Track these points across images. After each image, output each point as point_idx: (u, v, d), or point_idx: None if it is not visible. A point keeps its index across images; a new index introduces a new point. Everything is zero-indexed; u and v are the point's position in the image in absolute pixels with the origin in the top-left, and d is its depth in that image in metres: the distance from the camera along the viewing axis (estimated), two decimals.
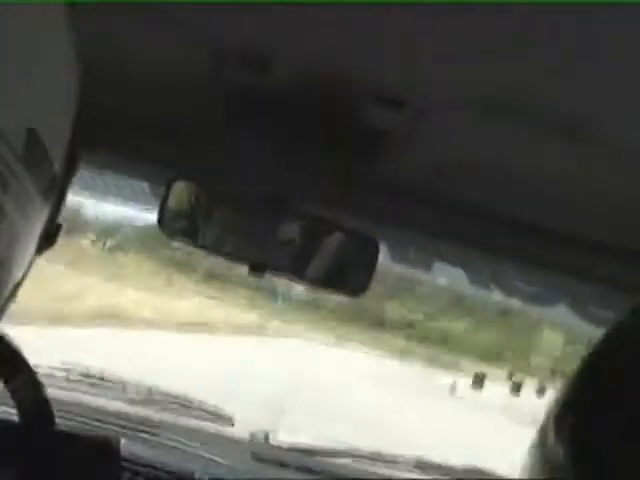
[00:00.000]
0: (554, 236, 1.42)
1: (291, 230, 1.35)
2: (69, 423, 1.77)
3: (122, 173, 1.62)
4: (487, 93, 1.03)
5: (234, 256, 1.37)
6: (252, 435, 2.26)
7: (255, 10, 0.94)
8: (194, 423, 2.26)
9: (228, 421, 2.32)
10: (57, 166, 0.72)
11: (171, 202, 1.31)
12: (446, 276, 1.87)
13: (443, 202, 1.41)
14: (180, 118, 1.35)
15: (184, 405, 2.32)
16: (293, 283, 1.51)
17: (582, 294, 1.73)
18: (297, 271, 1.37)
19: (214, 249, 1.37)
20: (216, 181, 1.36)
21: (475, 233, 1.46)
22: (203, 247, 1.37)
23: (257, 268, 1.34)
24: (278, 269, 1.37)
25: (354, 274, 1.39)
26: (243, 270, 1.36)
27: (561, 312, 1.80)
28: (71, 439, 1.61)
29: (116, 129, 1.29)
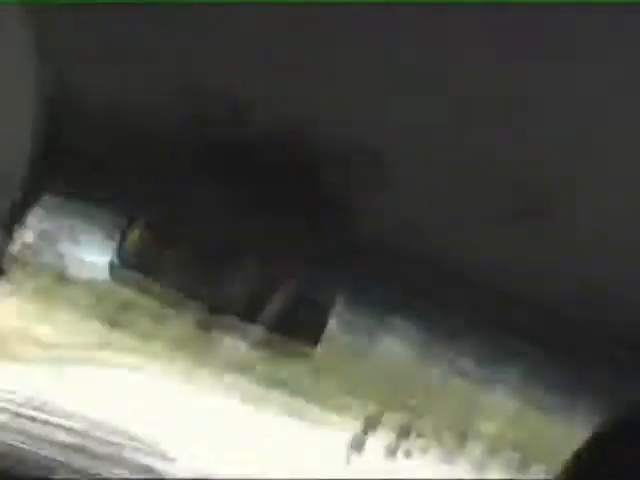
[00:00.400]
0: (514, 302, 1.44)
1: (248, 273, 1.36)
2: (12, 451, 1.74)
3: (77, 212, 1.61)
4: (458, 156, 1.05)
5: (188, 299, 1.37)
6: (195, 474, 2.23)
7: (231, 57, 0.97)
8: (135, 458, 2.23)
9: (170, 459, 2.29)
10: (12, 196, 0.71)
11: (126, 245, 1.31)
12: (394, 347, 1.88)
13: (407, 258, 1.43)
14: (143, 158, 1.35)
15: (126, 440, 2.28)
16: None
17: (537, 361, 1.75)
18: (250, 316, 1.37)
19: (177, 289, 1.37)
20: (175, 225, 1.36)
21: (429, 288, 1.48)
22: (165, 288, 1.37)
23: (209, 312, 1.35)
24: (230, 313, 1.37)
25: (307, 324, 1.40)
26: None
27: (513, 377, 1.82)
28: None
29: (73, 167, 1.29)
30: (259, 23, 0.92)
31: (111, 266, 1.30)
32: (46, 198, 0.94)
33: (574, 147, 0.91)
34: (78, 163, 1.33)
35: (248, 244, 1.30)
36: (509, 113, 0.94)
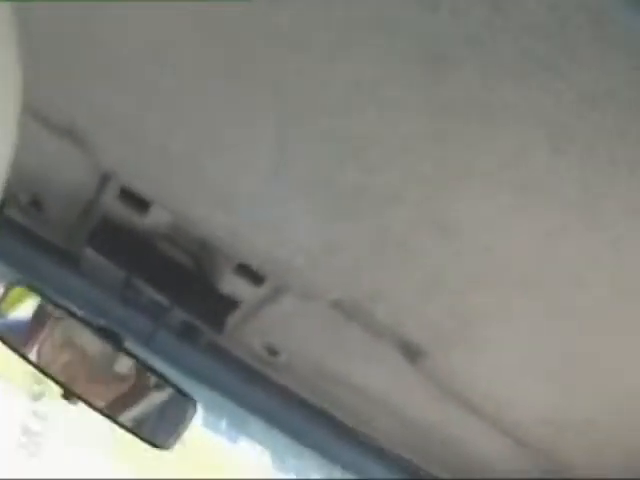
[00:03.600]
0: (367, 445, 1.45)
1: (124, 369, 1.33)
2: None
3: None
4: (338, 295, 1.07)
5: (56, 377, 1.33)
6: None
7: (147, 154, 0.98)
8: None
9: None
10: None
11: (4, 305, 1.27)
12: (251, 452, 1.86)
13: (268, 382, 1.44)
14: (44, 224, 1.34)
15: None
16: None
17: None
18: (114, 411, 1.34)
19: (40, 364, 1.32)
20: (60, 298, 1.33)
21: (286, 420, 1.47)
22: (27, 359, 1.32)
23: (68, 395, 1.31)
24: (94, 401, 1.33)
25: (163, 428, 1.37)
26: None
27: None
28: None
29: None
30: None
31: None
32: None
33: None
34: None
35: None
36: None
